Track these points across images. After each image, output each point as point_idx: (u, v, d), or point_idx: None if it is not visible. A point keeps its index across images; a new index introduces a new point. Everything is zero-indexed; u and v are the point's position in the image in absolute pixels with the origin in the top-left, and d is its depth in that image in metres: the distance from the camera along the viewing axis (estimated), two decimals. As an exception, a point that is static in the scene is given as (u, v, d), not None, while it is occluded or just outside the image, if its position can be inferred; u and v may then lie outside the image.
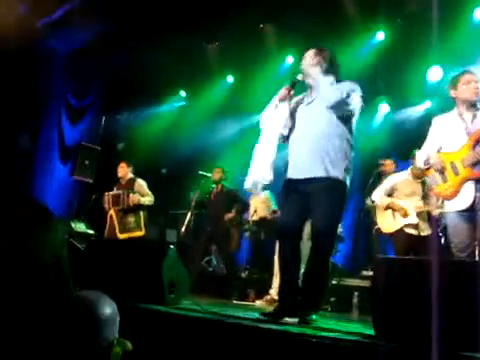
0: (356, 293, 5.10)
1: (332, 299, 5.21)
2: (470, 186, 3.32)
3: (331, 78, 3.39)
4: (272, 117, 3.45)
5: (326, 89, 3.35)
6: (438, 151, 3.50)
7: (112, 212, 6.30)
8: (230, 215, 6.54)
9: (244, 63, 7.73)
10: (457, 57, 6.30)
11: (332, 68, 3.43)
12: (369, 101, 7.62)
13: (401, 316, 2.45)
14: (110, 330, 1.41)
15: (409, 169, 5.30)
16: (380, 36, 7.11)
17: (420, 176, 5.06)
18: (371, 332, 2.59)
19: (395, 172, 6.12)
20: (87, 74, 8.01)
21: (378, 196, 5.39)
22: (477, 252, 3.48)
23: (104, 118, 8.21)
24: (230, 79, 8.39)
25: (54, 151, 7.89)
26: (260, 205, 6.69)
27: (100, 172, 7.36)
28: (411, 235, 5.07)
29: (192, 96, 8.72)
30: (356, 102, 3.29)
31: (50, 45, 7.46)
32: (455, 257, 3.33)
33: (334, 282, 5.59)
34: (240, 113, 7.91)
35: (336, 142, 3.28)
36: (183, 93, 8.99)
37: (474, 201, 3.28)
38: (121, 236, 6.18)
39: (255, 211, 6.70)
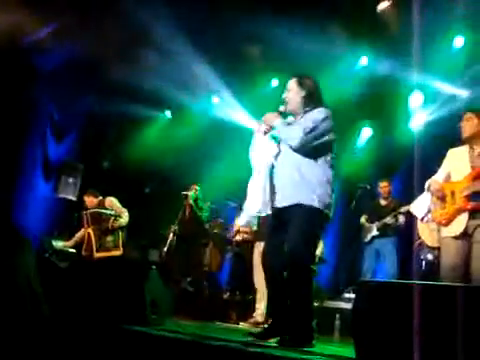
0: (338, 315, 5.09)
1: (313, 321, 5.18)
2: (464, 215, 3.46)
3: (316, 106, 3.38)
4: (260, 150, 3.45)
5: (289, 130, 3.33)
6: (446, 179, 3.64)
7: (90, 230, 6.16)
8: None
9: (229, 84, 7.81)
10: (437, 83, 6.49)
11: (314, 96, 3.43)
12: (352, 125, 7.79)
13: (383, 340, 2.46)
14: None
15: None
16: (364, 61, 7.28)
17: None
18: (352, 355, 2.60)
19: (390, 193, 6.08)
20: (73, 90, 7.98)
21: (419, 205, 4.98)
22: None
23: (89, 135, 8.18)
24: (216, 100, 8.46)
25: (37, 168, 7.80)
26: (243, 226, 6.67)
27: (83, 190, 7.27)
28: None
29: (178, 116, 8.76)
30: (324, 130, 3.28)
31: (35, 60, 7.44)
32: (442, 278, 3.46)
33: (316, 304, 5.58)
34: (225, 134, 7.95)
35: (312, 170, 3.29)
36: (168, 113, 9.03)
37: (466, 229, 3.43)
38: (98, 255, 6.04)
39: (238, 231, 6.69)
